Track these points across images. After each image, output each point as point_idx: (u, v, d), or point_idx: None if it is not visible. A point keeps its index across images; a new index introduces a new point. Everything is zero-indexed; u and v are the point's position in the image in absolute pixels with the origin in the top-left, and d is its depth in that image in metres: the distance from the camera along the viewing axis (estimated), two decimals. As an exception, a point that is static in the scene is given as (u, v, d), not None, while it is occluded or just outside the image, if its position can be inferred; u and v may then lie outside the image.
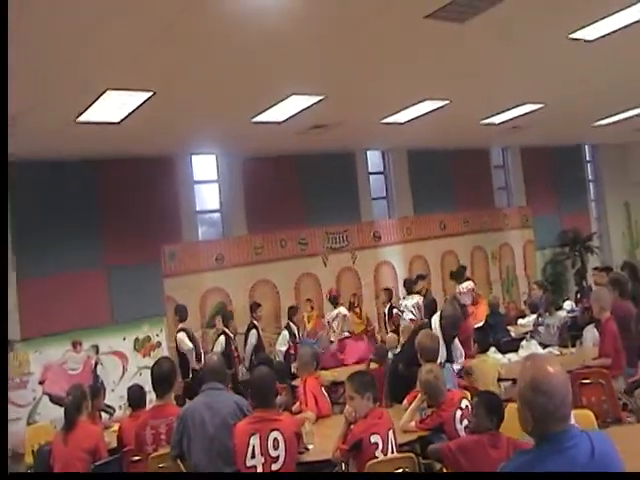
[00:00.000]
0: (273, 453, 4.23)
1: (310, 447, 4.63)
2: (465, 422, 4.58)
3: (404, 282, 11.22)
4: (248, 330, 9.37)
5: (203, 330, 10.02)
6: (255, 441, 4.24)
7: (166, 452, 4.72)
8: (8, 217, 4.83)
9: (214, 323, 9.79)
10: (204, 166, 10.96)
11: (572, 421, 2.39)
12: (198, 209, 10.75)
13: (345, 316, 10.01)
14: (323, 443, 4.76)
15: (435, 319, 5.50)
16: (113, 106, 7.04)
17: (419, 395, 5.01)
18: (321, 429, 5.15)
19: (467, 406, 4.66)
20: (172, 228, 10.09)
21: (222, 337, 9.04)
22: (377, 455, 4.20)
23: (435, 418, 4.74)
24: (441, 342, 5.51)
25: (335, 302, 10.22)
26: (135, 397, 5.91)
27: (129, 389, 6.08)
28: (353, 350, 9.49)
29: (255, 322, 9.48)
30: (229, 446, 4.41)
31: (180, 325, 8.84)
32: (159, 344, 9.63)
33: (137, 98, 6.94)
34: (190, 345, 8.63)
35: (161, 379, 5.06)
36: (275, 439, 4.25)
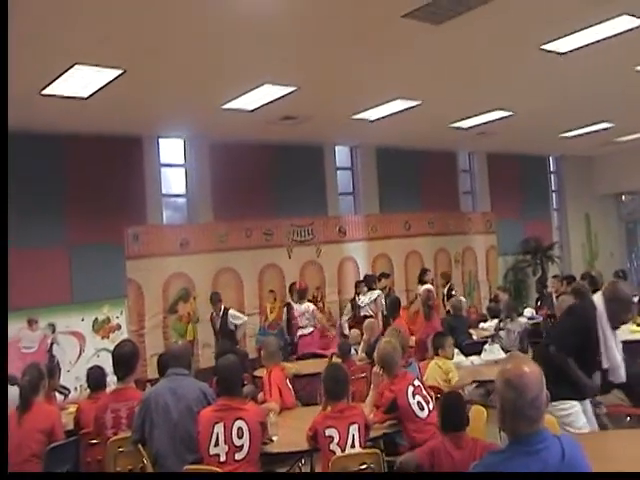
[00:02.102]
0: (237, 442, 4.18)
1: (274, 438, 4.59)
2: (418, 397, 4.68)
3: (364, 278, 11.24)
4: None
5: (165, 315, 9.88)
6: (219, 429, 4.19)
7: (126, 436, 4.63)
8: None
9: (176, 309, 9.69)
10: (172, 149, 10.79)
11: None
12: (164, 192, 10.57)
13: (314, 311, 9.97)
14: (287, 435, 4.74)
15: (600, 300, 4.91)
16: (81, 81, 6.91)
17: (372, 387, 5.06)
18: (285, 420, 5.11)
19: (419, 385, 4.79)
20: (137, 210, 9.90)
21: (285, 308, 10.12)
22: (333, 449, 4.22)
23: (388, 394, 4.77)
24: (606, 327, 4.73)
25: (302, 296, 10.15)
26: (95, 379, 5.76)
27: (89, 370, 5.92)
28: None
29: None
30: (192, 433, 4.37)
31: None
32: (119, 326, 9.43)
33: (106, 75, 6.82)
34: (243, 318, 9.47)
35: (122, 361, 4.98)
36: (239, 428, 4.20)
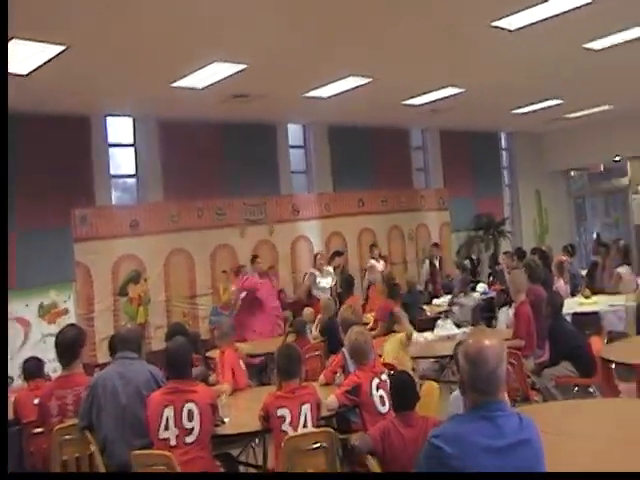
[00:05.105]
0: (187, 425, 4.12)
1: (226, 420, 4.52)
2: (381, 391, 4.60)
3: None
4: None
5: (115, 298, 9.67)
6: (169, 413, 4.12)
7: (73, 423, 4.51)
8: None
9: (127, 291, 9.52)
10: (120, 129, 10.52)
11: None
12: (113, 173, 10.32)
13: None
14: (240, 416, 4.68)
15: None
16: (20, 57, 6.59)
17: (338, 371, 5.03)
18: (238, 402, 5.05)
19: (385, 380, 4.68)
20: (85, 191, 9.64)
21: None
22: (285, 429, 4.19)
23: (353, 378, 4.72)
24: None
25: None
26: (29, 368, 5.69)
27: (24, 363, 5.82)
28: None
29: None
30: (141, 417, 4.28)
31: None
32: (66, 311, 9.17)
33: (49, 51, 6.56)
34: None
35: (65, 348, 4.81)
36: (190, 411, 4.14)
